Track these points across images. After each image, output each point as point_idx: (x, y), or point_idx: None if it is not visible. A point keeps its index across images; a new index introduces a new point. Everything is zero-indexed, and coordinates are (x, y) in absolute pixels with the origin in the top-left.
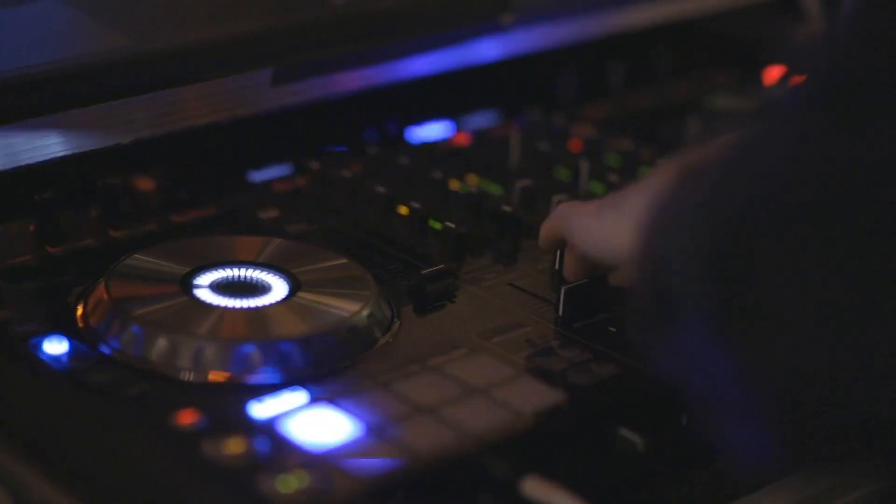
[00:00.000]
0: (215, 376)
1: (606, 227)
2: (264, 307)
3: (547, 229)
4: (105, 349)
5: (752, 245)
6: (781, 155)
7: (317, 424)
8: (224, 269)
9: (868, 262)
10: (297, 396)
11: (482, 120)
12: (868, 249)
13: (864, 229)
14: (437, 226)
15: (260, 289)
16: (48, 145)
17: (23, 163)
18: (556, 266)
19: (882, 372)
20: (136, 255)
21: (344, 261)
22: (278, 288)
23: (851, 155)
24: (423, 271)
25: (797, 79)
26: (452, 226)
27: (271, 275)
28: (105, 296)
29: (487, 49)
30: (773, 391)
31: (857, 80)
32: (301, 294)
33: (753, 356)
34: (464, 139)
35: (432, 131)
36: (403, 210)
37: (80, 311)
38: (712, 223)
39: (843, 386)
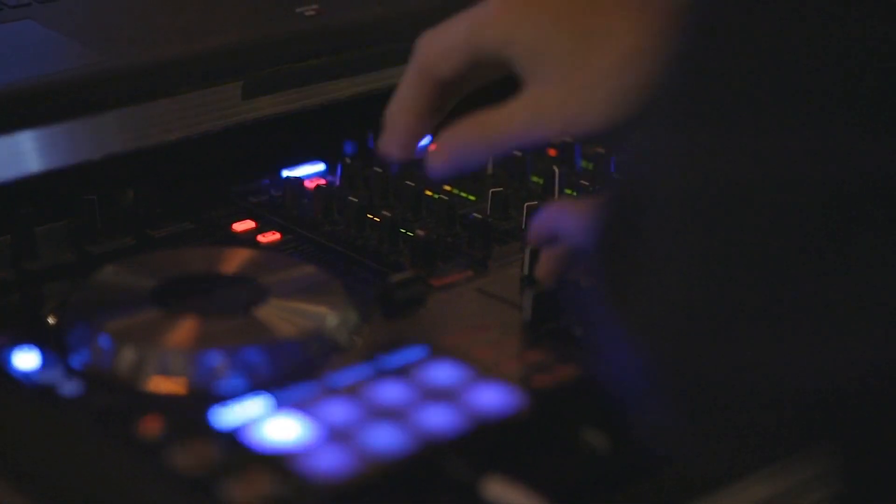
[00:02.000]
0: (183, 386)
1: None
2: (233, 316)
3: (540, 223)
4: (75, 361)
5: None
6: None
7: (281, 431)
8: (194, 281)
9: (729, 243)
10: (263, 403)
11: None
12: (730, 234)
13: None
14: (409, 233)
15: (229, 298)
16: (24, 161)
17: None
18: (526, 271)
19: (742, 343)
20: (108, 268)
21: (312, 269)
22: (247, 297)
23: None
24: (392, 279)
25: None
26: (423, 233)
27: (240, 284)
28: (75, 308)
29: None
30: (651, 350)
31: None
32: (269, 302)
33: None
34: None
35: None
36: (375, 218)
37: (52, 324)
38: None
39: (713, 353)
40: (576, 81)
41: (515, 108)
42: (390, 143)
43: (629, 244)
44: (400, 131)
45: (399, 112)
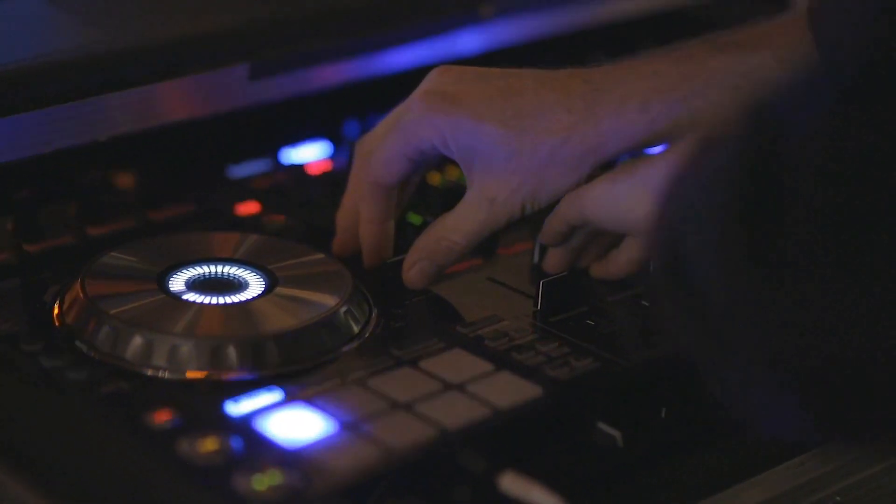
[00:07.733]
0: (191, 374)
1: (621, 196)
2: (241, 303)
3: (557, 216)
4: (81, 347)
5: (784, 193)
6: (811, 116)
7: (292, 421)
8: (201, 266)
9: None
10: (273, 393)
11: None
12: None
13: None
14: (417, 220)
15: (237, 285)
16: (25, 142)
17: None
18: (536, 260)
19: None
20: (112, 253)
21: (321, 256)
22: (255, 284)
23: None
24: (389, 260)
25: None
26: (431, 220)
27: (248, 271)
28: (80, 294)
29: (467, 41)
30: (802, 343)
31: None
32: (278, 290)
33: (785, 304)
34: None
35: None
36: None
37: (56, 309)
38: (738, 175)
39: (876, 344)
40: (520, 164)
41: (469, 208)
42: (341, 249)
43: (771, 213)
44: (348, 239)
45: (346, 219)
